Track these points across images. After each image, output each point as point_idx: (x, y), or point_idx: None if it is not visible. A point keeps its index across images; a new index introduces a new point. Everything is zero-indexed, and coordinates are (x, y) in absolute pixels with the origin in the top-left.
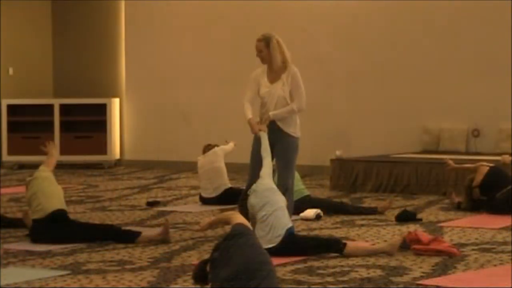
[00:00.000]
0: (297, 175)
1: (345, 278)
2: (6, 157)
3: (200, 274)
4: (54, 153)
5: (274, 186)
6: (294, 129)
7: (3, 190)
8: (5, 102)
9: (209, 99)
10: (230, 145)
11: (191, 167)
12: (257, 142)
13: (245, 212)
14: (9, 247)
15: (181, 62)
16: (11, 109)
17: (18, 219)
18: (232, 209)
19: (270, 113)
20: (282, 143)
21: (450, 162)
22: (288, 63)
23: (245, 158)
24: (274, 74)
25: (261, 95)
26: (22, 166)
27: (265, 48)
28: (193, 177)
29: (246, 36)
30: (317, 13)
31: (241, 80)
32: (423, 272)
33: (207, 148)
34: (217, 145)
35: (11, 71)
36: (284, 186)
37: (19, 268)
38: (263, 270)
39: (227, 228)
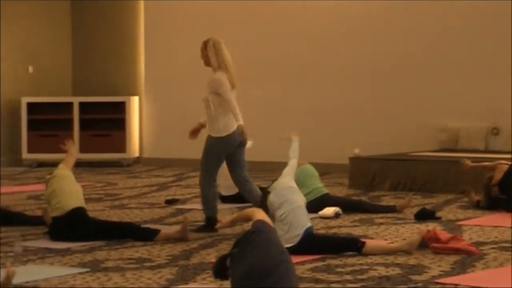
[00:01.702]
0: (315, 174)
1: (363, 276)
2: (25, 155)
3: (219, 269)
4: (73, 151)
5: (294, 185)
6: (215, 129)
7: (23, 188)
8: (25, 100)
9: None
10: (249, 143)
11: None
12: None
13: (266, 210)
14: (28, 244)
15: (199, 60)
16: (31, 107)
17: (37, 216)
18: (251, 207)
19: (241, 123)
20: (242, 143)
21: (467, 162)
22: (223, 67)
23: (264, 156)
24: (232, 79)
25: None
26: (41, 164)
27: (204, 49)
28: None
29: (264, 35)
30: (333, 13)
31: (260, 78)
32: (441, 271)
33: None
34: None
35: (30, 69)
36: (245, 179)
37: (38, 266)
38: (281, 268)
39: (246, 226)
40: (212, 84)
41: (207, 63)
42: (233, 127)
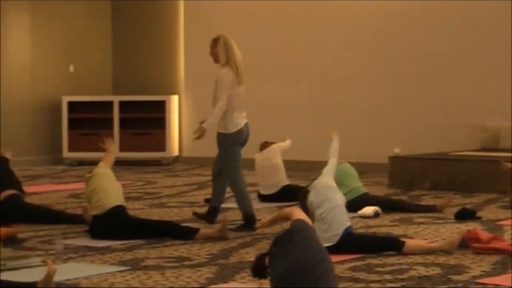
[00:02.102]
0: (354, 173)
1: (403, 276)
2: (66, 154)
3: (258, 267)
4: (112, 149)
5: (334, 184)
6: (223, 126)
7: (64, 186)
8: (66, 99)
9: (266, 96)
10: (287, 142)
11: (248, 164)
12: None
13: (305, 209)
14: (69, 242)
15: None
16: (72, 106)
17: (78, 215)
18: (290, 206)
19: (204, 124)
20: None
21: (507, 164)
22: (231, 64)
23: (302, 155)
24: (240, 75)
25: (231, 94)
26: (81, 163)
27: (214, 47)
28: (250, 174)
29: (302, 34)
30: (364, 13)
31: (297, 77)
32: (482, 271)
33: (264, 145)
34: (274, 143)
35: (71, 68)
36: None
37: (79, 264)
38: (321, 267)
39: (285, 225)
40: (215, 80)
41: (216, 60)
42: (241, 123)
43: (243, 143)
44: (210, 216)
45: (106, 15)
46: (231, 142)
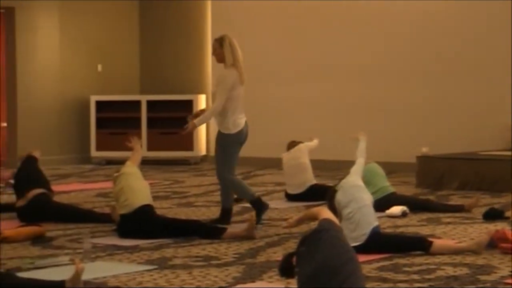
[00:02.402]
0: (382, 172)
1: (431, 276)
2: (94, 153)
3: (285, 267)
4: (139, 148)
5: (362, 184)
6: (225, 127)
7: (92, 186)
8: (94, 98)
9: (294, 96)
10: (315, 141)
11: (276, 164)
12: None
13: (332, 208)
14: (97, 241)
15: (266, 59)
16: (99, 105)
17: (105, 214)
18: (318, 205)
19: (195, 121)
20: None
21: None
22: (237, 63)
23: (330, 155)
24: (242, 75)
25: (233, 94)
26: (109, 162)
27: (219, 48)
28: (278, 174)
29: (330, 34)
30: (394, 13)
31: (325, 76)
32: (510, 271)
33: (292, 144)
34: (302, 142)
35: (99, 67)
36: (218, 177)
37: (107, 263)
38: (348, 267)
39: (313, 225)
40: (217, 80)
41: (221, 60)
42: (242, 123)
43: (242, 143)
44: (225, 218)
45: (134, 15)
46: (231, 142)
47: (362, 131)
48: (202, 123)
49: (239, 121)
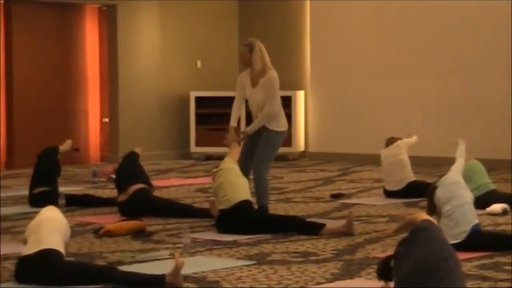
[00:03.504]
0: (482, 169)
1: None
2: (194, 148)
3: (383, 270)
4: (236, 144)
5: (462, 181)
6: (276, 124)
7: (191, 181)
8: (193, 94)
9: (391, 92)
10: (414, 138)
11: (374, 160)
12: (248, 140)
13: (432, 205)
14: (197, 236)
15: (362, 56)
16: (199, 101)
17: (205, 209)
18: (417, 202)
19: (247, 129)
20: (262, 136)
21: None
22: (267, 69)
23: (428, 151)
24: (254, 78)
25: (246, 96)
26: (209, 157)
27: (248, 53)
28: (376, 170)
29: (426, 32)
30: (488, 13)
31: (424, 73)
32: None
33: (390, 141)
34: (400, 138)
35: (199, 64)
36: (255, 174)
37: (206, 257)
38: (447, 264)
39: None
40: (271, 82)
41: (249, 65)
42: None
43: None
44: None
45: (234, 14)
46: (282, 140)
47: (460, 138)
48: (256, 128)
49: (285, 121)
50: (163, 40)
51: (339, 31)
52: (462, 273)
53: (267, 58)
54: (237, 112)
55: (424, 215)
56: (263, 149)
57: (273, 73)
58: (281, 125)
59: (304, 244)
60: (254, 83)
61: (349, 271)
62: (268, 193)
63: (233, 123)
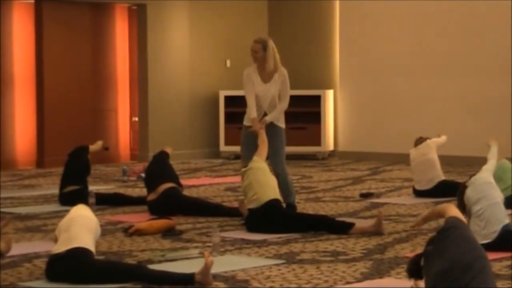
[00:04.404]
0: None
1: None
2: (223, 147)
3: (414, 269)
4: (264, 132)
5: (493, 181)
6: (282, 121)
7: (221, 180)
8: (223, 93)
9: (421, 91)
10: (443, 137)
11: (404, 159)
12: (249, 133)
13: (462, 205)
14: (226, 235)
15: (392, 55)
16: (228, 100)
17: (234, 208)
18: (446, 201)
19: (267, 118)
20: (272, 134)
21: None
22: (278, 65)
23: (458, 150)
24: (267, 75)
25: (256, 92)
26: (238, 157)
27: (262, 50)
28: (406, 169)
29: (458, 32)
30: (500, 14)
31: (452, 73)
32: None
33: (419, 141)
34: (429, 138)
35: (228, 63)
36: (280, 171)
37: (236, 256)
38: (477, 264)
39: (441, 222)
40: (286, 78)
41: (260, 61)
42: None
43: None
44: None
45: (263, 14)
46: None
47: (493, 139)
48: (274, 118)
49: None
50: (192, 39)
51: (368, 30)
52: (492, 273)
53: (278, 55)
54: (254, 104)
55: (453, 210)
56: (279, 146)
57: (284, 70)
58: (284, 121)
59: (334, 243)
60: (266, 79)
61: (379, 271)
62: (294, 189)
63: (254, 114)
